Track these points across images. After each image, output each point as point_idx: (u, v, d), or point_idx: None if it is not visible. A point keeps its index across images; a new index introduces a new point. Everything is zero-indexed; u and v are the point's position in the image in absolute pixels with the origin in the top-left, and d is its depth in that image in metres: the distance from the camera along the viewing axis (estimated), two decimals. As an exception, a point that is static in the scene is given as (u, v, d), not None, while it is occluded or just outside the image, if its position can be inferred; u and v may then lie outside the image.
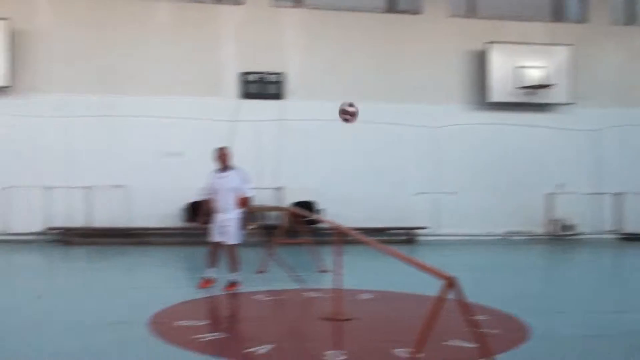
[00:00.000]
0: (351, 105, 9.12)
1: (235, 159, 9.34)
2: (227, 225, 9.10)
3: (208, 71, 15.16)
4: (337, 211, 14.37)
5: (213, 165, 9.30)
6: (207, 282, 9.19)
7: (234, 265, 9.21)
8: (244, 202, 9.17)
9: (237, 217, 9.16)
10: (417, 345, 4.54)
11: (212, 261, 9.23)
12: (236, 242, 9.20)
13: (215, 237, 9.19)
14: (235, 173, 9.18)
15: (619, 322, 7.80)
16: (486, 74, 15.78)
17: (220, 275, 9.26)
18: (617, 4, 17.15)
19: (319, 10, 15.69)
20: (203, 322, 7.25)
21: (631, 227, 16.46)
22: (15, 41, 14.08)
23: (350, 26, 15.72)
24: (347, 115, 9.20)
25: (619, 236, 16.50)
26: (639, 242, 15.96)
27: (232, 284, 9.15)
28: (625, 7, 17.29)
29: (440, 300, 4.53)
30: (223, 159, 9.25)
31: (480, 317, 7.21)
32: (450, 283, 4.48)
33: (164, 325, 7.11)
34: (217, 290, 9.15)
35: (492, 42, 15.74)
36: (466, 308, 4.59)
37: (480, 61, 15.96)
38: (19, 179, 14.28)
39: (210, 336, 6.68)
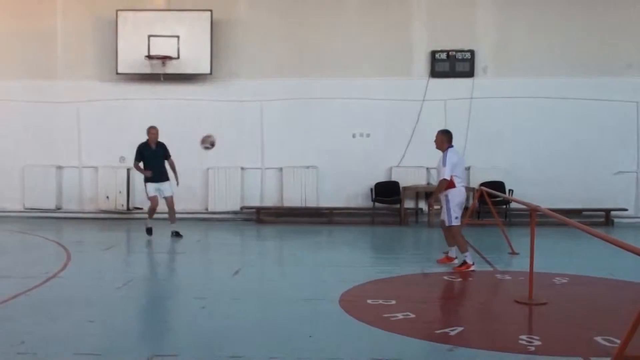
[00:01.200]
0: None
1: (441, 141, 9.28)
2: (442, 207, 9.27)
3: (398, 51, 15.13)
4: (526, 191, 13.85)
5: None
6: (447, 259, 9.47)
7: (457, 246, 9.26)
8: (441, 184, 9.17)
9: (445, 199, 9.13)
10: (629, 333, 4.22)
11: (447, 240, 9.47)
12: (450, 224, 9.16)
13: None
14: (442, 155, 9.18)
15: None
16: None
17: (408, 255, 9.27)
18: None
19: (512, -16, 15.07)
20: (392, 302, 7.28)
21: None
22: (215, 31, 14.94)
23: (546, -2, 14.98)
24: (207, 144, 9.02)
25: None
26: None
27: (462, 264, 9.13)
28: None
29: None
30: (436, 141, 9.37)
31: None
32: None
33: (354, 303, 7.25)
34: (408, 270, 9.18)
35: None
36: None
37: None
38: (218, 161, 15.20)
39: (400, 315, 6.71)
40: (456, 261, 9.39)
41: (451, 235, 9.30)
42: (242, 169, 15.24)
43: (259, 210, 15.06)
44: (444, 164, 9.00)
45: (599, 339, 5.82)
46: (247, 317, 6.74)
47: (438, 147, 9.23)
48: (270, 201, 15.30)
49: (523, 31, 14.95)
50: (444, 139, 9.21)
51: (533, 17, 14.93)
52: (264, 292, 7.98)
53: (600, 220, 14.40)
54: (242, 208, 15.18)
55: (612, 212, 14.52)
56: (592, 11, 14.81)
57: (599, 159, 14.75)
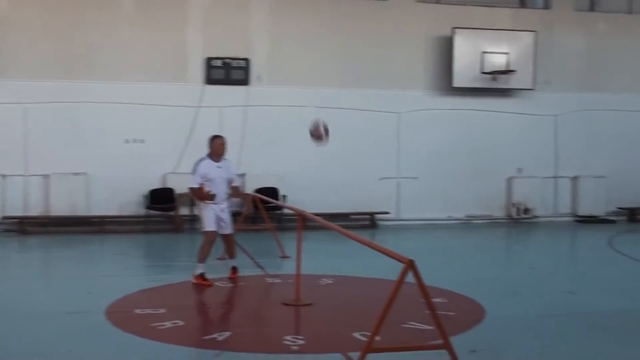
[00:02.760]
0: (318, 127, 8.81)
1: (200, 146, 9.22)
2: (224, 215, 8.91)
3: (172, 56, 14.90)
4: (301, 197, 14.33)
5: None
6: (204, 281, 8.69)
7: (234, 253, 9.14)
8: (237, 191, 9.15)
9: (230, 206, 9.02)
10: (375, 328, 4.55)
11: (206, 255, 8.82)
12: (233, 231, 9.10)
13: (212, 228, 8.83)
14: (227, 163, 9.00)
15: (571, 302, 7.98)
16: (452, 59, 15.81)
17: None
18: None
19: (286, -5, 15.56)
20: (162, 310, 7.17)
21: (585, 210, 16.75)
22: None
23: (318, 12, 15.58)
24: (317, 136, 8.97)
25: (574, 219, 16.78)
26: (592, 224, 16.25)
27: (235, 270, 9.04)
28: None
29: (398, 283, 4.56)
30: (222, 148, 8.96)
31: (438, 300, 7.29)
32: (409, 266, 4.51)
33: (122, 314, 7.04)
34: (182, 277, 9.07)
35: (458, 28, 15.76)
36: (423, 290, 4.62)
37: (446, 47, 15.96)
38: (-25, 168, 13.96)
39: (168, 324, 6.63)
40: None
41: (234, 244, 9.19)
42: (3, 176, 14.11)
43: (23, 220, 14.04)
44: (235, 170, 9.19)
45: (357, 334, 6.19)
46: (1, 335, 6.25)
47: (221, 154, 8.96)
48: (35, 210, 14.31)
49: (296, 42, 15.48)
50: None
51: (305, 28, 15.53)
52: (22, 307, 7.41)
53: (366, 223, 15.34)
54: (3, 218, 14.05)
55: (377, 215, 15.52)
56: (360, 25, 15.72)
57: (366, 165, 15.68)
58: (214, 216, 8.77)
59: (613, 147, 16.81)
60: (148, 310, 7.15)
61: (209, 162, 8.82)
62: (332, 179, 15.36)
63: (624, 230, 15.28)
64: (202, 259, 8.72)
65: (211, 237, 8.78)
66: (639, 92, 16.96)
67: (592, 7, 17.37)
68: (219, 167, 8.87)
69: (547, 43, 16.31)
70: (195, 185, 8.70)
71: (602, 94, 16.74)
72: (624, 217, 16.88)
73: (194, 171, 8.77)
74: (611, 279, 9.67)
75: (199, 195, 8.69)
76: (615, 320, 7.11)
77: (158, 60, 14.78)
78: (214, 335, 6.27)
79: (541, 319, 7.10)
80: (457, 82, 15.84)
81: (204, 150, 9.38)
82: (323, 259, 10.71)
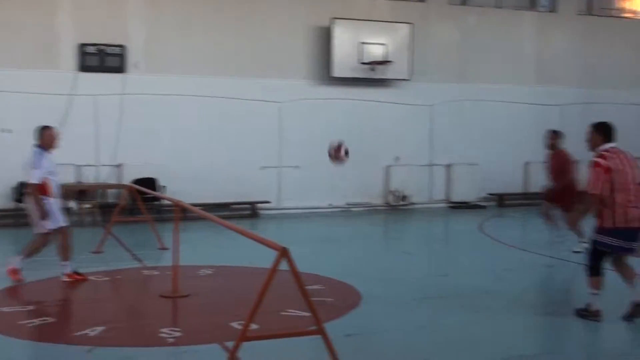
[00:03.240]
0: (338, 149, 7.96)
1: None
2: (59, 208, 8.47)
3: (42, 41, 14.16)
4: (182, 188, 14.04)
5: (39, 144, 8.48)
6: (79, 276, 8.37)
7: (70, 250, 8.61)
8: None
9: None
10: (249, 316, 4.55)
11: (70, 250, 8.37)
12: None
13: (65, 222, 8.42)
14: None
15: (444, 285, 8.30)
16: (331, 50, 15.98)
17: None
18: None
19: (163, -20, 15.17)
20: (31, 307, 6.87)
21: (458, 196, 17.45)
22: None
23: (196, -1, 15.41)
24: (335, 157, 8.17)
25: (449, 205, 17.47)
26: (464, 210, 16.98)
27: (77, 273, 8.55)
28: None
29: (271, 272, 4.57)
30: (54, 139, 8.45)
31: (315, 287, 7.41)
32: (282, 254, 4.53)
33: (-14, 313, 6.69)
34: (52, 273, 8.68)
35: (337, 18, 15.94)
36: (296, 277, 4.66)
37: (325, 37, 16.12)
38: None
39: (38, 321, 6.37)
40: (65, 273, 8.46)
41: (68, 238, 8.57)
42: None
43: None
44: None
45: (235, 324, 6.16)
46: None
47: (54, 146, 8.48)
48: None
49: (175, 28, 15.12)
50: None
51: (184, 15, 15.19)
52: None
53: (247, 213, 15.30)
54: None
55: (258, 205, 15.51)
56: (240, 13, 15.55)
57: (247, 155, 15.60)
58: (59, 210, 8.37)
59: (484, 136, 17.58)
60: (16, 308, 6.84)
61: (46, 154, 8.32)
62: (213, 168, 15.19)
63: (493, 215, 16.05)
64: (68, 256, 8.37)
65: (66, 230, 8.42)
66: (508, 83, 17.81)
67: (464, 1, 18.04)
68: (51, 159, 8.43)
69: (423, 35, 16.79)
70: (37, 181, 8.11)
71: (474, 84, 17.46)
72: (493, 203, 17.74)
73: (37, 165, 8.13)
74: (480, 261, 10.16)
75: (47, 191, 8.19)
76: (483, 300, 7.47)
77: (26, 46, 14.02)
78: (86, 331, 6.06)
79: (415, 302, 7.37)
80: (337, 72, 16.04)
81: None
82: (203, 250, 10.61)
